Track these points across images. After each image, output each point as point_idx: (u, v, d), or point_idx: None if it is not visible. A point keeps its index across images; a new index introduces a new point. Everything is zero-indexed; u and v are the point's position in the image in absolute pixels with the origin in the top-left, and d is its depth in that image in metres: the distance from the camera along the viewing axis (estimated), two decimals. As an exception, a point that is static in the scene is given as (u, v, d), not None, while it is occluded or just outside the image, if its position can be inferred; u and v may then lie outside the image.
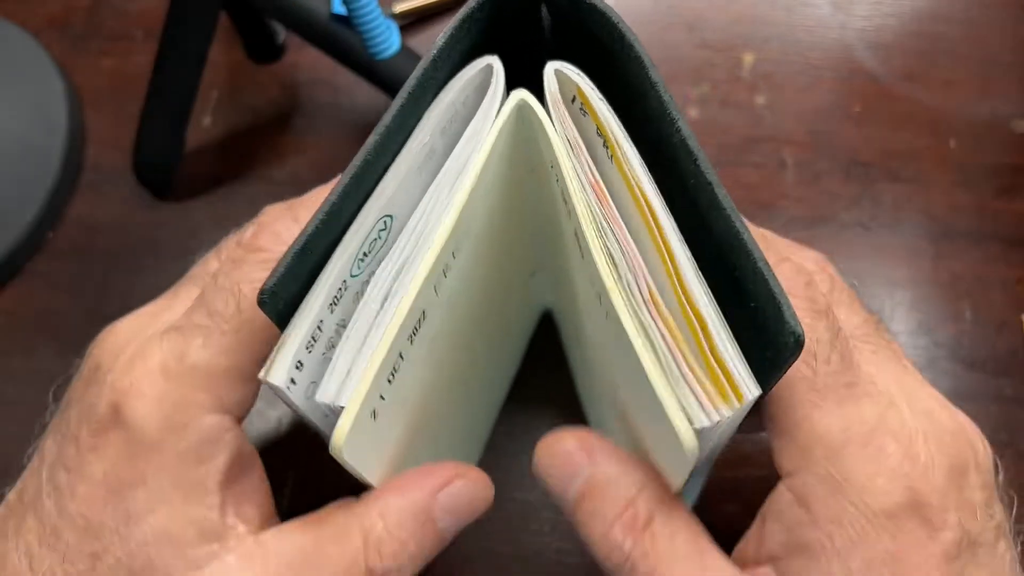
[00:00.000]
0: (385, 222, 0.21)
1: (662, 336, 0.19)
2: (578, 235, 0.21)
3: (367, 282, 0.21)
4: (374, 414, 0.21)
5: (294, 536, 0.23)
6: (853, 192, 0.41)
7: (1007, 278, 0.39)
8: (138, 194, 0.42)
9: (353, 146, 0.44)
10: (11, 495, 0.25)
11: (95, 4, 0.47)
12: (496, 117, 0.21)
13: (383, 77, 0.41)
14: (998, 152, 0.41)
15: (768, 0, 0.45)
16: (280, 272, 0.19)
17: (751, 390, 0.19)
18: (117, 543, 0.22)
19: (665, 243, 0.20)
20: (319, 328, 0.20)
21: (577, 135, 0.21)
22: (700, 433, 0.19)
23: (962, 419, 0.24)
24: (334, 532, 0.23)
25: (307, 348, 0.20)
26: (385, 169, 0.21)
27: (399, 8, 0.45)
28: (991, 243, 0.39)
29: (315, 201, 0.25)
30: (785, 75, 0.43)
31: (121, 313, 0.40)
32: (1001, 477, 0.25)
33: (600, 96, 0.21)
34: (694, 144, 0.19)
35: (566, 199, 0.21)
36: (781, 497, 0.23)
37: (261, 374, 0.20)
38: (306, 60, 0.45)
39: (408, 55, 0.41)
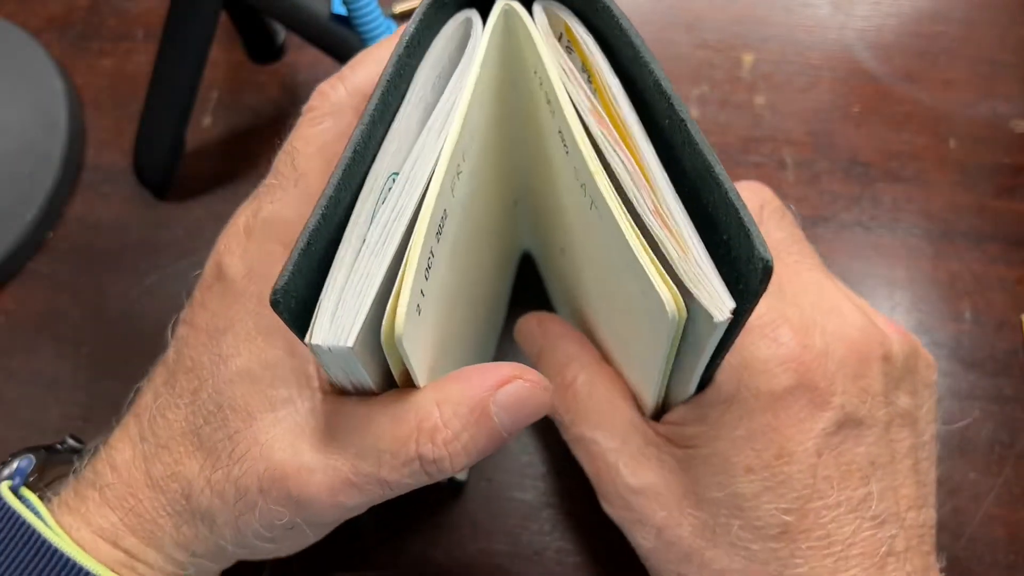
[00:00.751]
0: (393, 178, 0.21)
1: (666, 240, 0.20)
2: (562, 132, 0.22)
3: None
4: (419, 309, 0.21)
5: (355, 406, 0.24)
6: (853, 192, 0.41)
7: (1007, 278, 0.39)
8: (138, 194, 0.42)
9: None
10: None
11: (95, 4, 0.47)
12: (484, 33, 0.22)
13: (383, 77, 0.41)
14: (998, 152, 0.41)
15: (768, 0, 0.45)
16: (289, 270, 0.19)
17: (726, 303, 0.19)
18: (210, 381, 0.25)
19: (644, 172, 0.20)
20: None
21: (572, 65, 0.21)
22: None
23: (882, 321, 0.27)
24: (392, 411, 0.23)
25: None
26: (386, 132, 0.21)
27: (399, 8, 0.45)
28: (991, 243, 0.39)
29: (360, 63, 0.27)
30: (785, 75, 0.43)
31: (121, 313, 0.40)
32: (935, 376, 0.28)
33: (586, 31, 0.21)
34: (667, 85, 0.20)
35: (550, 99, 0.22)
36: None
37: (307, 339, 0.20)
38: (306, 60, 0.45)
39: (408, 55, 0.41)
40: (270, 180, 0.26)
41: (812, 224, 0.40)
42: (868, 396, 0.25)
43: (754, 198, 0.29)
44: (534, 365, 0.30)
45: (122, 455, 0.26)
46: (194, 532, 0.25)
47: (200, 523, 0.25)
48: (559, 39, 0.22)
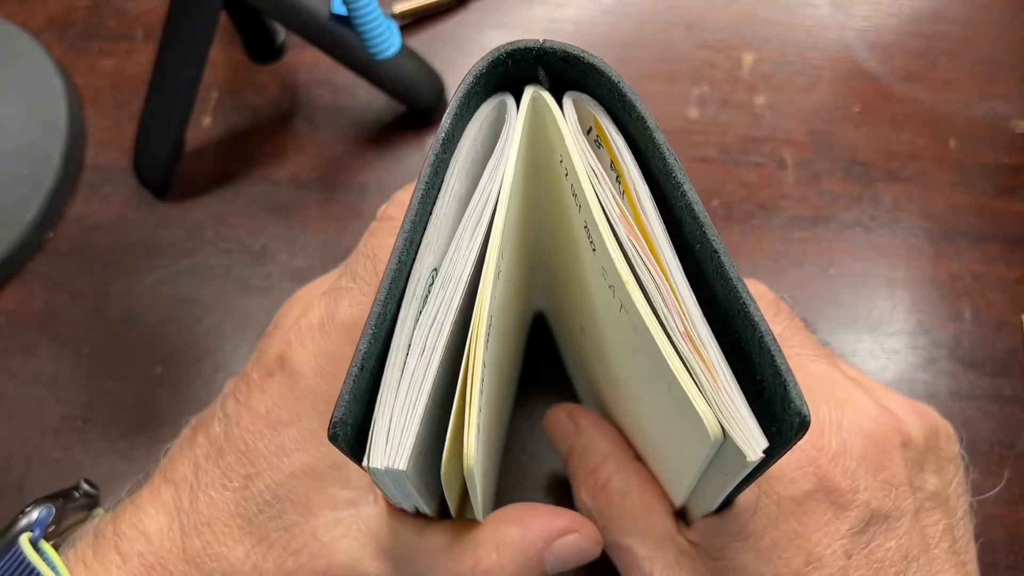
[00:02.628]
0: (432, 276, 0.21)
1: (695, 363, 0.19)
2: (589, 229, 0.21)
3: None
4: (479, 428, 0.21)
5: (414, 531, 0.24)
6: (853, 192, 0.41)
7: (1007, 278, 0.39)
8: (138, 194, 0.42)
9: (352, 146, 0.44)
10: (194, 418, 0.29)
11: (95, 4, 0.47)
12: (517, 119, 0.21)
13: (383, 77, 0.41)
14: (998, 152, 0.41)
15: (768, 0, 0.45)
16: (345, 399, 0.19)
17: (759, 442, 0.18)
18: (268, 471, 0.25)
19: (674, 293, 0.20)
20: None
21: (600, 166, 0.21)
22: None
23: (895, 402, 0.27)
24: (452, 547, 0.24)
25: None
26: (424, 230, 0.21)
27: (399, 8, 0.45)
28: (991, 243, 0.39)
29: None
30: (785, 75, 0.43)
31: (121, 313, 0.40)
32: (957, 447, 0.27)
33: (617, 130, 0.21)
34: (700, 209, 0.19)
35: (576, 192, 0.21)
36: None
37: (364, 463, 0.20)
38: (306, 60, 0.45)
39: (408, 55, 0.41)
40: (347, 283, 0.26)
41: (812, 224, 0.40)
42: (892, 488, 0.25)
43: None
44: (563, 458, 0.30)
45: (156, 522, 0.26)
46: None
47: None
48: (587, 132, 0.21)
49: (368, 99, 0.44)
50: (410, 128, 0.43)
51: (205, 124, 0.44)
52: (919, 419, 0.27)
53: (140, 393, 0.38)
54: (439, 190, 0.21)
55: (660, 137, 0.19)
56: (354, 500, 0.25)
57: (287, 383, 0.25)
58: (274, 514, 0.25)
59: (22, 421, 0.38)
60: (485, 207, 0.21)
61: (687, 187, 0.19)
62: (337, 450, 0.24)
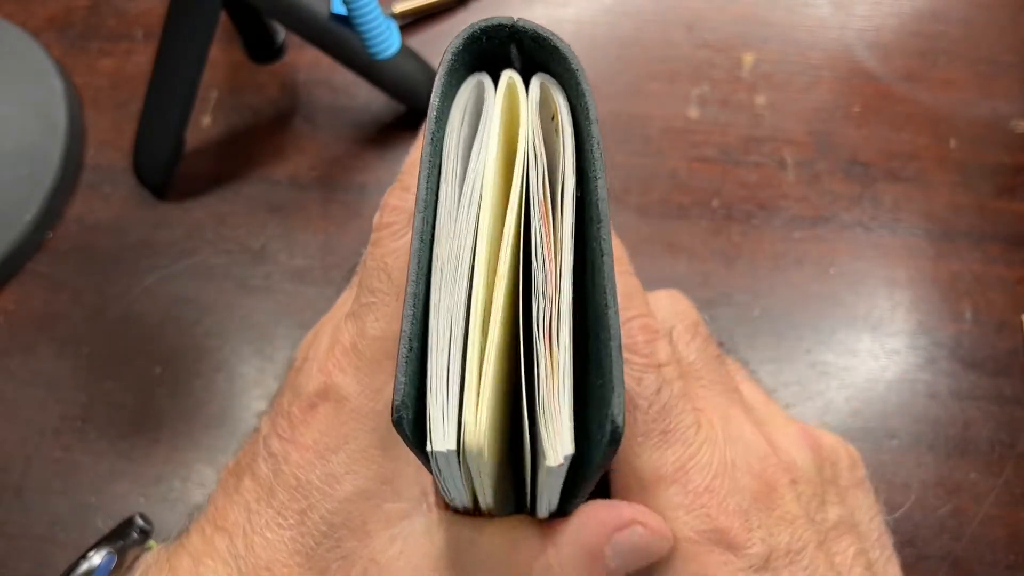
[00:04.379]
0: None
1: (543, 359, 0.19)
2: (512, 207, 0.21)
3: None
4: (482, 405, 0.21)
5: (470, 531, 0.24)
6: (853, 192, 0.41)
7: (1007, 278, 0.39)
8: (138, 194, 0.42)
9: (352, 146, 0.44)
10: (230, 462, 0.28)
11: (95, 4, 0.47)
12: (496, 98, 0.21)
13: (383, 77, 0.41)
14: (998, 152, 0.41)
15: (768, 0, 0.45)
16: (402, 382, 0.19)
17: (565, 447, 0.18)
18: (321, 501, 0.25)
19: (557, 287, 0.20)
20: None
21: (544, 153, 0.21)
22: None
23: (792, 436, 0.27)
24: (509, 547, 0.24)
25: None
26: (435, 210, 0.21)
27: (399, 8, 0.45)
28: (991, 243, 0.39)
29: (412, 164, 0.27)
30: (785, 75, 0.43)
31: (121, 313, 0.40)
32: (863, 471, 0.28)
33: (570, 120, 0.21)
34: (604, 208, 0.19)
35: (515, 176, 0.21)
36: None
37: (427, 447, 0.19)
38: (306, 60, 0.45)
39: (408, 55, 0.41)
40: (367, 299, 0.26)
41: (812, 224, 0.40)
42: (787, 523, 0.25)
43: (669, 312, 0.29)
44: None
45: (214, 574, 0.25)
46: None
47: None
48: (552, 119, 0.21)
49: (368, 99, 0.44)
50: (410, 128, 0.43)
51: (205, 124, 0.44)
52: (812, 454, 0.27)
53: (140, 393, 0.38)
54: (440, 173, 0.21)
55: (595, 130, 0.20)
56: (407, 511, 0.25)
57: (333, 410, 0.25)
58: (332, 544, 0.25)
59: (22, 421, 0.38)
60: (472, 191, 0.21)
61: (600, 183, 0.19)
62: (388, 462, 0.24)
